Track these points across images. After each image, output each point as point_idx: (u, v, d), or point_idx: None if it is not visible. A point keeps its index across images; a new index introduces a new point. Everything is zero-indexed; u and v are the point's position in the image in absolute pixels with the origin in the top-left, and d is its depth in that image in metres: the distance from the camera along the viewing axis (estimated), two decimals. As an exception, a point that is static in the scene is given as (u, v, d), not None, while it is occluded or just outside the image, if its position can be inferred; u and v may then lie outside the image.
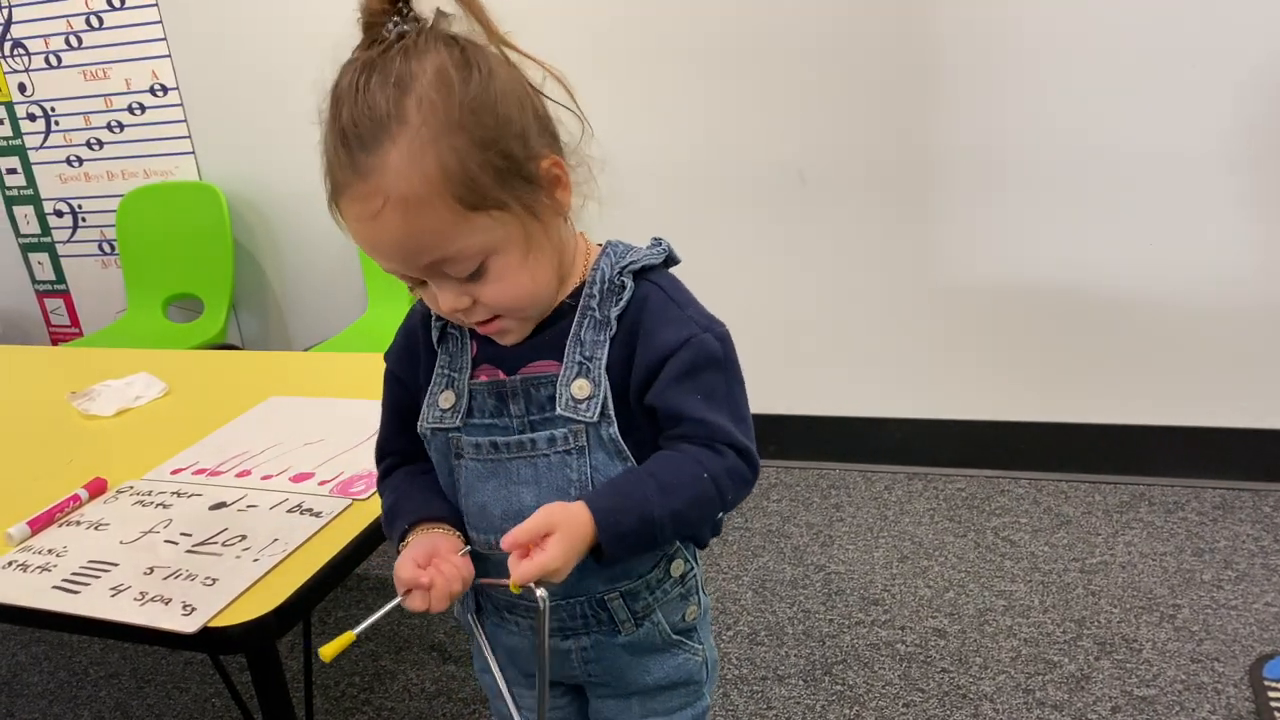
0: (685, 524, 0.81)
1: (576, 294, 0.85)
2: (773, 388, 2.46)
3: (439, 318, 0.88)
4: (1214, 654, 1.69)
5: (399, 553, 0.85)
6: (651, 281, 0.85)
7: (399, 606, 0.81)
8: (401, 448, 0.94)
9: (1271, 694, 1.58)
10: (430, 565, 0.82)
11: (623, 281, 0.84)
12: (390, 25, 0.76)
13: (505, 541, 0.74)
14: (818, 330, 2.40)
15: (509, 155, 0.76)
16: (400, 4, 0.77)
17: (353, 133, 0.74)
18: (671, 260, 0.88)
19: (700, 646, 0.95)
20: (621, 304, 0.83)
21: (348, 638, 0.78)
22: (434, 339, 0.90)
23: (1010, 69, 2.08)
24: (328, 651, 0.77)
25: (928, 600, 1.92)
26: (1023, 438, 2.31)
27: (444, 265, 0.77)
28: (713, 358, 0.82)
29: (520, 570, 0.73)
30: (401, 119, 0.73)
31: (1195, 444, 2.19)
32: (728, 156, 2.32)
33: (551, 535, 0.74)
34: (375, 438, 0.97)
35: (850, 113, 2.21)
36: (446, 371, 0.89)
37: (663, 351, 0.81)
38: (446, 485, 0.90)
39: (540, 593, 0.74)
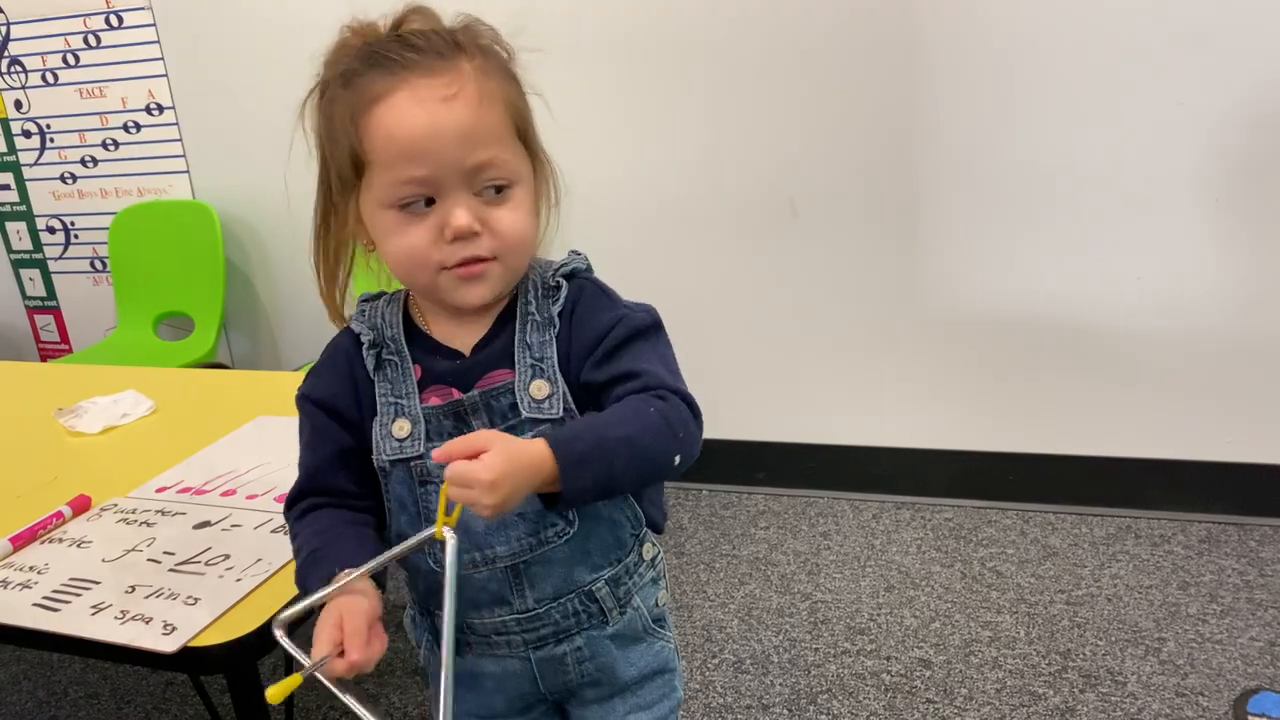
0: (641, 454, 0.79)
1: (514, 302, 0.88)
2: (762, 415, 2.47)
3: (372, 345, 0.88)
4: (1199, 688, 1.69)
5: (317, 606, 0.78)
6: (582, 279, 0.90)
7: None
8: (332, 486, 0.88)
9: (1256, 729, 1.58)
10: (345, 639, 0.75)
11: (557, 282, 0.88)
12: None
13: (438, 453, 0.72)
14: (807, 358, 2.41)
15: (532, 123, 0.87)
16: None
17: (424, 42, 0.80)
18: (590, 269, 0.92)
19: (669, 634, 0.99)
20: (560, 302, 0.87)
21: (295, 680, 0.74)
22: (369, 368, 0.88)
23: (1004, 105, 2.10)
24: (275, 693, 0.72)
25: (914, 630, 1.91)
26: (1011, 469, 2.32)
27: (486, 169, 0.81)
28: (641, 328, 0.86)
29: (451, 469, 0.70)
30: (470, 51, 0.82)
31: (1182, 478, 2.20)
32: (719, 184, 2.33)
33: (488, 450, 0.71)
34: None
35: (843, 144, 2.23)
36: (391, 399, 0.87)
37: (599, 331, 0.85)
38: (412, 517, 0.87)
39: (450, 537, 0.73)
